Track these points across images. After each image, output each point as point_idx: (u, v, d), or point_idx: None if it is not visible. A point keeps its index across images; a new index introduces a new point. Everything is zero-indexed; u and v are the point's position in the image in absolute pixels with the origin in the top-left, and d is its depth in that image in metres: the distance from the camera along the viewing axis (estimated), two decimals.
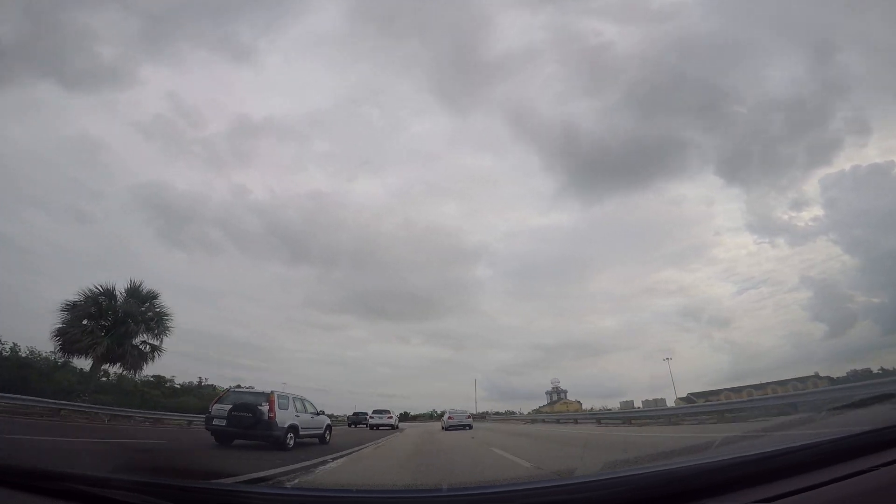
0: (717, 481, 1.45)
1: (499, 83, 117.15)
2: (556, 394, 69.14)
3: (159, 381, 34.05)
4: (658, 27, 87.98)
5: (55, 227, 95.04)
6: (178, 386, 37.72)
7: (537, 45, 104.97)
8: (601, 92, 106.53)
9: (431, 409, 78.89)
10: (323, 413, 14.00)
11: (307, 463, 7.52)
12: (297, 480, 5.82)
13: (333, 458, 8.64)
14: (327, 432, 13.31)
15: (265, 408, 10.34)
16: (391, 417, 28.53)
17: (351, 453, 10.23)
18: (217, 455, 8.99)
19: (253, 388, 12.21)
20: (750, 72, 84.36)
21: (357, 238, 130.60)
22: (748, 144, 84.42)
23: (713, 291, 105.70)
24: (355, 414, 32.87)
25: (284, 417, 10.69)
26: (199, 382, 41.86)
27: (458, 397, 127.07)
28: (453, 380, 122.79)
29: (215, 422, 10.47)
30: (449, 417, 27.09)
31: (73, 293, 21.98)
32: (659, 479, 1.57)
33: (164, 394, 33.79)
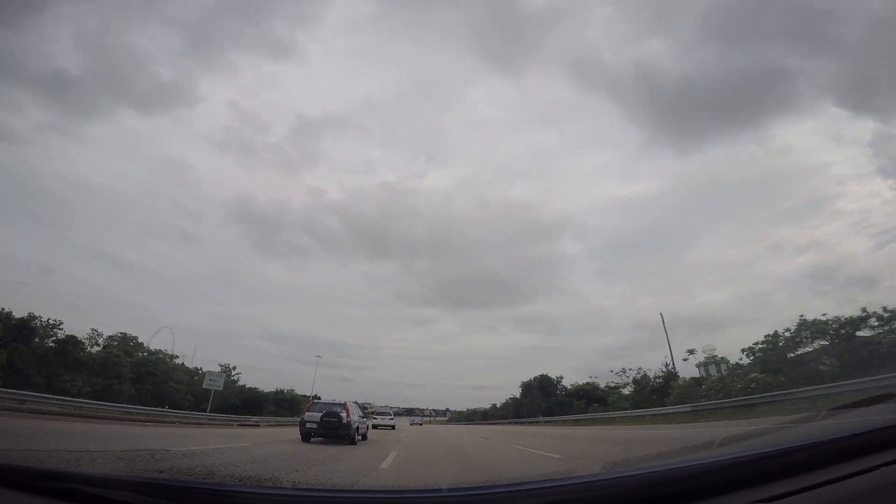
0: (717, 481, 1.44)
1: (551, 34, 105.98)
2: (716, 365, 56.11)
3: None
4: None
5: (168, 251, 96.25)
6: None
7: None
8: (673, 26, 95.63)
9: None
10: (369, 416, 19.58)
11: None
12: (296, 480, 5.81)
13: None
14: (368, 431, 16.86)
15: (343, 414, 13.45)
16: (392, 419, 34.28)
17: None
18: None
19: (319, 397, 16.33)
20: None
21: (432, 225, 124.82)
22: (871, 68, 70.95)
23: (844, 248, 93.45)
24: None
25: (354, 420, 13.80)
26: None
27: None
28: (548, 366, 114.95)
29: (308, 425, 13.42)
30: (414, 419, 48.01)
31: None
32: (659, 478, 1.56)
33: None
